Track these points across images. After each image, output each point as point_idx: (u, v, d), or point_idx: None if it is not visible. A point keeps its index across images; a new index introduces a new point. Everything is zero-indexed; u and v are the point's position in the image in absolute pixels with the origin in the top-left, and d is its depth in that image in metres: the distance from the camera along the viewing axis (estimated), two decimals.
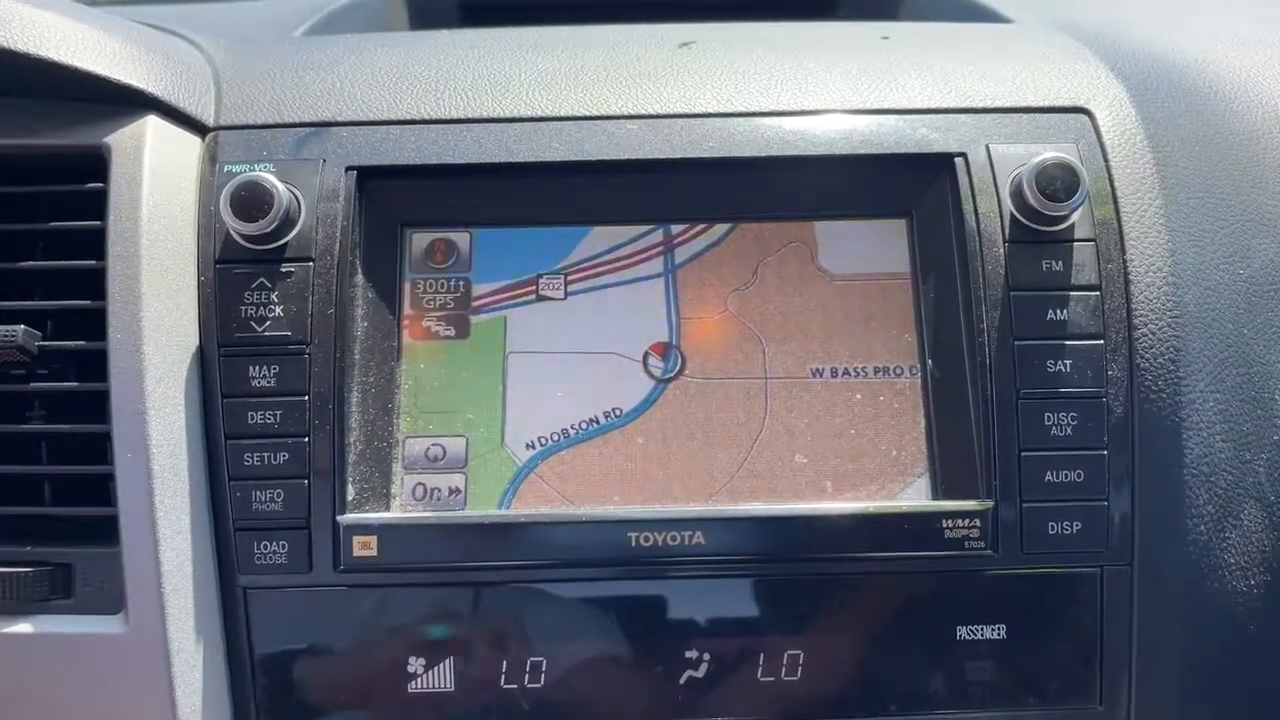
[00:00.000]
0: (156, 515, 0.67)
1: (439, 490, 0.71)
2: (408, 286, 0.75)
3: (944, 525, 0.68)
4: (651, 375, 0.73)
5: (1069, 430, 0.69)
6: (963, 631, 0.69)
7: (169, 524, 0.67)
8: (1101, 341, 0.70)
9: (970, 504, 0.69)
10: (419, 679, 0.70)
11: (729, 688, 0.70)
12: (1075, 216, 0.71)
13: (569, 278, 0.75)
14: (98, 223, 0.71)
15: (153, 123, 0.73)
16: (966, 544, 0.68)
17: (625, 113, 0.76)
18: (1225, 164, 0.76)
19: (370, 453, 0.70)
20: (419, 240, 0.76)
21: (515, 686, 0.70)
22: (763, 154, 0.74)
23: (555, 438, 0.72)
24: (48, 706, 0.68)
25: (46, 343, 0.70)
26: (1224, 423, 0.71)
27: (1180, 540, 0.70)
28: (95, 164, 0.73)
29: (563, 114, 0.76)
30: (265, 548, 0.69)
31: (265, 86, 0.79)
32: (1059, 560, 0.69)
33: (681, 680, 0.70)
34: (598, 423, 0.72)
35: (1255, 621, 0.72)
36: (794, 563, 0.69)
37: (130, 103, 0.74)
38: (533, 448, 0.72)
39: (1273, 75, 0.82)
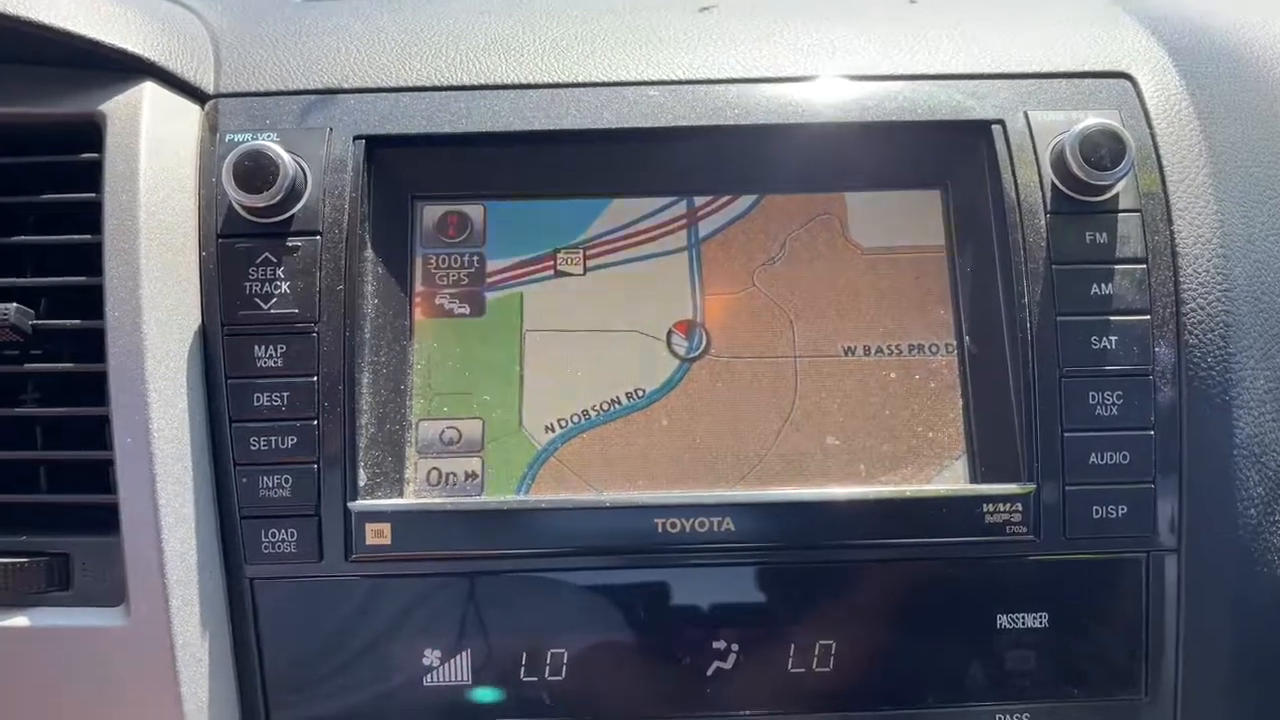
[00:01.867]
0: (159, 502, 0.63)
1: (454, 475, 0.68)
2: (419, 261, 0.72)
3: (984, 509, 0.65)
4: (675, 354, 0.70)
5: (1114, 410, 0.66)
6: (1003, 620, 0.67)
7: (172, 512, 0.64)
8: (1148, 317, 0.67)
9: (1011, 487, 0.66)
10: (435, 672, 0.67)
11: (758, 680, 0.67)
12: (1120, 186, 0.68)
13: (588, 252, 0.72)
14: (93, 195, 0.67)
15: (150, 89, 0.70)
16: (1007, 529, 0.65)
17: (646, 79, 0.72)
18: (1273, 130, 0.73)
19: (382, 436, 0.67)
20: (430, 213, 0.72)
21: (535, 679, 0.67)
22: (791, 121, 0.71)
23: (575, 419, 0.69)
24: (48, 702, 0.65)
25: (41, 321, 0.66)
26: (1275, 401, 0.68)
27: (1229, 524, 0.67)
28: (91, 133, 0.69)
29: (580, 80, 0.72)
30: (273, 536, 0.66)
31: (267, 52, 0.75)
32: (1103, 545, 0.67)
33: (709, 672, 0.67)
34: (620, 404, 0.69)
35: None
36: (826, 549, 0.66)
37: (126, 69, 0.70)
38: (552, 430, 0.69)
39: None
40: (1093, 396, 0.66)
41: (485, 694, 0.67)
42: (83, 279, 0.67)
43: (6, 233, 0.69)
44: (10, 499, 0.66)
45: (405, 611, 0.66)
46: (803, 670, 0.67)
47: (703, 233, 0.72)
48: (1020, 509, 0.65)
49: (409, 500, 0.67)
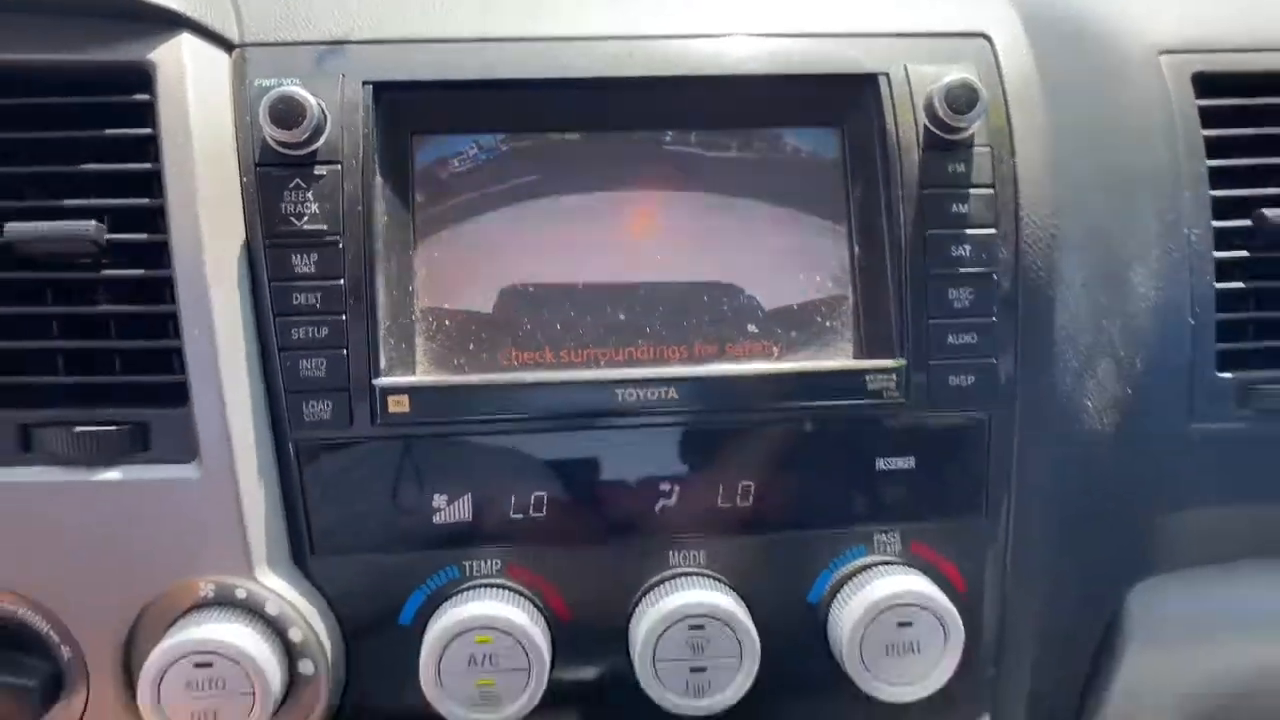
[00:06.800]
0: (221, 380, 0.80)
1: (453, 361, 0.86)
2: (418, 187, 0.87)
3: (866, 380, 0.85)
4: (628, 254, 0.88)
5: (967, 303, 0.86)
6: (880, 463, 0.87)
7: (231, 388, 0.80)
8: (994, 230, 0.86)
9: (888, 362, 0.85)
10: (442, 512, 0.85)
11: (695, 511, 0.86)
12: (975, 128, 0.86)
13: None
14: (150, 130, 0.81)
15: (187, 40, 0.84)
16: (884, 394, 0.85)
17: (593, 35, 0.88)
18: (1096, 86, 0.92)
19: (396, 327, 0.84)
20: (426, 145, 0.88)
21: (521, 516, 0.86)
22: (721, 73, 0.88)
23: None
24: (136, 544, 0.81)
25: (115, 235, 0.81)
26: (1087, 295, 0.89)
27: (1051, 389, 0.88)
28: (134, 79, 0.83)
29: (542, 36, 0.88)
30: (312, 407, 0.82)
31: (281, 5, 0.89)
32: (957, 406, 0.87)
33: (657, 508, 0.86)
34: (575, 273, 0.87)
35: (1106, 451, 0.91)
36: (748, 412, 0.85)
37: (163, 21, 0.84)
38: (528, 323, 0.86)
39: (1146, 13, 0.97)
40: (951, 293, 0.86)
41: (482, 528, 0.86)
42: (146, 200, 0.82)
43: (69, 163, 0.83)
44: (100, 380, 0.81)
45: (419, 464, 0.84)
46: (729, 505, 0.87)
47: (641, 157, 0.89)
48: (894, 379, 0.85)
49: (421, 377, 0.84)
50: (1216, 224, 0.93)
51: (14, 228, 0.80)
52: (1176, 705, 1.05)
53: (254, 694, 0.79)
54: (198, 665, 0.78)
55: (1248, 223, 0.94)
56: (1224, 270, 0.94)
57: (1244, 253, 0.94)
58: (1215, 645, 1.04)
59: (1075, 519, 0.92)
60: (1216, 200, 0.94)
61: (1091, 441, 0.91)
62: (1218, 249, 0.93)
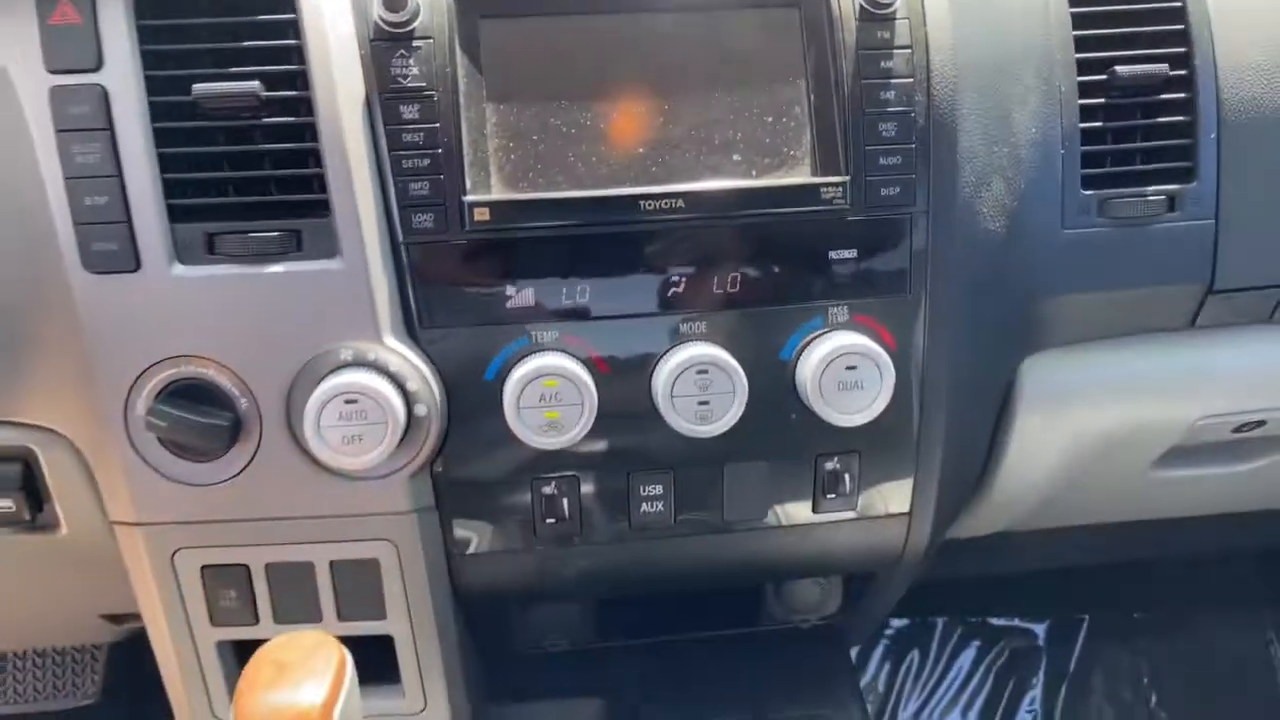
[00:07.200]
0: (355, 196, 1.10)
1: (518, 182, 1.16)
2: (484, 54, 1.17)
3: (821, 191, 1.16)
4: (646, 109, 1.18)
5: (893, 133, 1.16)
6: (830, 254, 1.18)
7: (361, 204, 1.10)
8: (912, 79, 1.16)
9: (836, 179, 1.15)
10: (513, 298, 1.16)
11: (697, 293, 1.17)
12: (898, 5, 1.16)
13: None
14: (292, 14, 1.10)
15: None
16: (834, 202, 1.16)
17: None
18: None
19: (476, 159, 1.13)
20: (489, 23, 1.17)
21: (571, 299, 1.17)
22: None
23: (585, 150, 1.17)
24: (296, 319, 1.11)
25: (270, 93, 1.10)
26: (981, 128, 1.20)
27: (954, 198, 1.19)
28: None
29: None
30: (419, 218, 1.12)
31: None
32: (887, 210, 1.16)
33: (669, 291, 1.18)
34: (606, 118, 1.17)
35: (998, 248, 1.24)
36: (734, 218, 1.16)
37: None
38: (573, 157, 1.17)
39: None
40: (881, 126, 1.16)
41: (543, 308, 1.16)
42: (294, 66, 1.11)
43: (236, 40, 1.12)
44: (263, 199, 1.10)
45: (497, 259, 1.13)
46: (722, 291, 1.18)
47: (648, 32, 1.18)
48: (842, 190, 1.15)
49: (496, 195, 1.14)
50: (1080, 79, 1.25)
51: (199, 88, 1.08)
52: (1059, 450, 1.40)
53: (387, 423, 1.10)
54: (347, 402, 1.09)
55: (1105, 77, 1.26)
56: (1088, 112, 1.26)
57: (1101, 99, 1.26)
58: (1086, 405, 1.38)
59: (976, 299, 1.24)
60: (1080, 60, 1.25)
61: (987, 240, 1.23)
62: (1081, 98, 1.25)
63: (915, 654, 2.60)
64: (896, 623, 2.58)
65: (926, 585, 1.70)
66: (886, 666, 2.58)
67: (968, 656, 2.60)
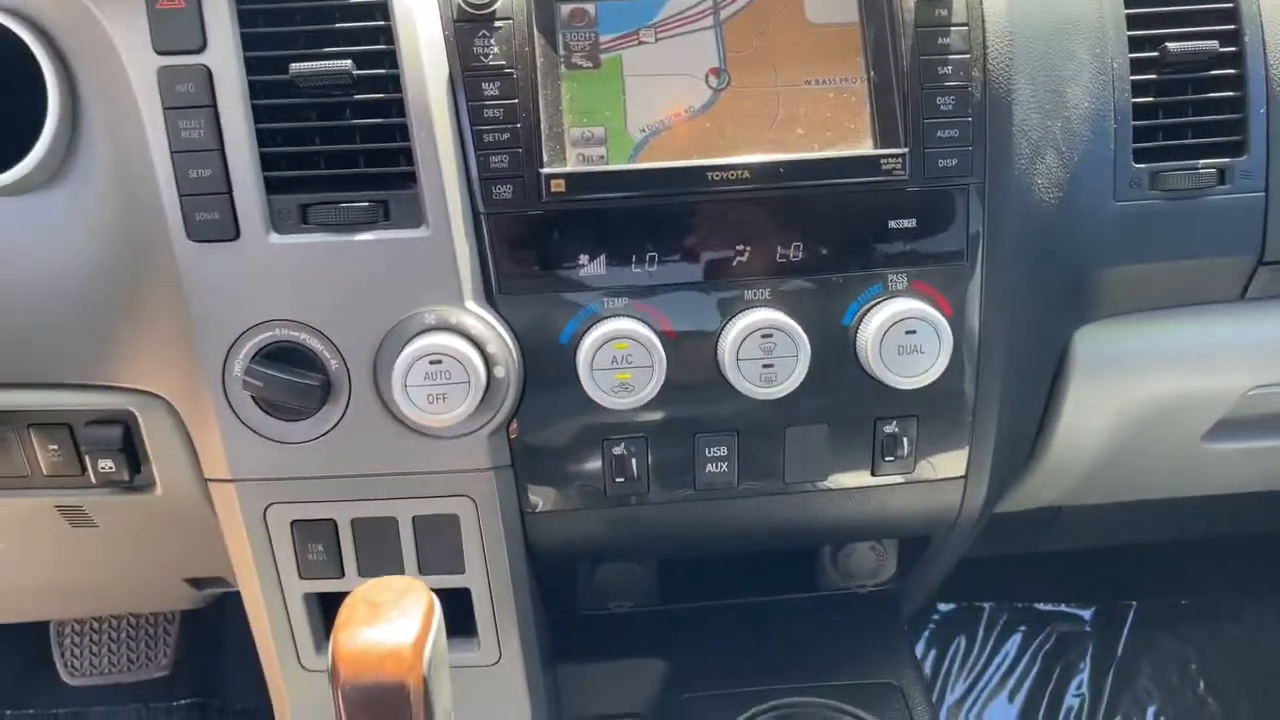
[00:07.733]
0: (440, 168, 1.17)
1: (592, 156, 1.22)
2: (561, 37, 1.23)
3: (882, 163, 1.21)
4: (709, 86, 1.24)
5: (950, 107, 1.20)
6: (891, 224, 1.23)
7: (446, 176, 1.16)
8: (969, 55, 1.21)
9: (896, 150, 1.21)
10: (586, 265, 1.21)
11: (762, 260, 1.22)
12: None
13: (658, 30, 1.24)
14: None
15: None
16: (894, 173, 1.21)
17: None
18: None
19: (552, 134, 1.20)
20: (565, 8, 1.23)
21: (641, 267, 1.23)
22: None
23: (654, 126, 1.23)
24: (383, 285, 1.18)
25: (361, 71, 1.17)
26: (1035, 102, 1.25)
27: (1009, 169, 1.24)
28: None
29: None
30: (498, 190, 1.18)
31: None
32: (945, 181, 1.21)
33: (735, 260, 1.23)
34: (680, 116, 1.23)
35: (1053, 220, 1.28)
36: (802, 188, 1.21)
37: None
38: (643, 131, 1.23)
39: None
40: (939, 100, 1.21)
41: (614, 276, 1.22)
42: (383, 46, 1.17)
43: (329, 23, 1.19)
44: (354, 171, 1.17)
45: (571, 229, 1.19)
46: (785, 258, 1.24)
47: (723, 16, 1.25)
48: (901, 162, 1.20)
49: (571, 168, 1.20)
50: (1132, 55, 1.29)
51: (296, 67, 1.15)
52: (1111, 418, 1.43)
53: (469, 383, 1.17)
54: (432, 362, 1.16)
55: (1156, 54, 1.30)
56: (1139, 88, 1.30)
57: (1153, 75, 1.30)
58: (1138, 374, 1.42)
59: (1030, 268, 1.29)
60: (1132, 38, 1.30)
61: (1041, 211, 1.27)
62: (1133, 74, 1.29)
63: (962, 638, 2.63)
64: (944, 607, 2.62)
65: (974, 566, 1.75)
66: (934, 651, 2.62)
67: (1014, 641, 2.62)
